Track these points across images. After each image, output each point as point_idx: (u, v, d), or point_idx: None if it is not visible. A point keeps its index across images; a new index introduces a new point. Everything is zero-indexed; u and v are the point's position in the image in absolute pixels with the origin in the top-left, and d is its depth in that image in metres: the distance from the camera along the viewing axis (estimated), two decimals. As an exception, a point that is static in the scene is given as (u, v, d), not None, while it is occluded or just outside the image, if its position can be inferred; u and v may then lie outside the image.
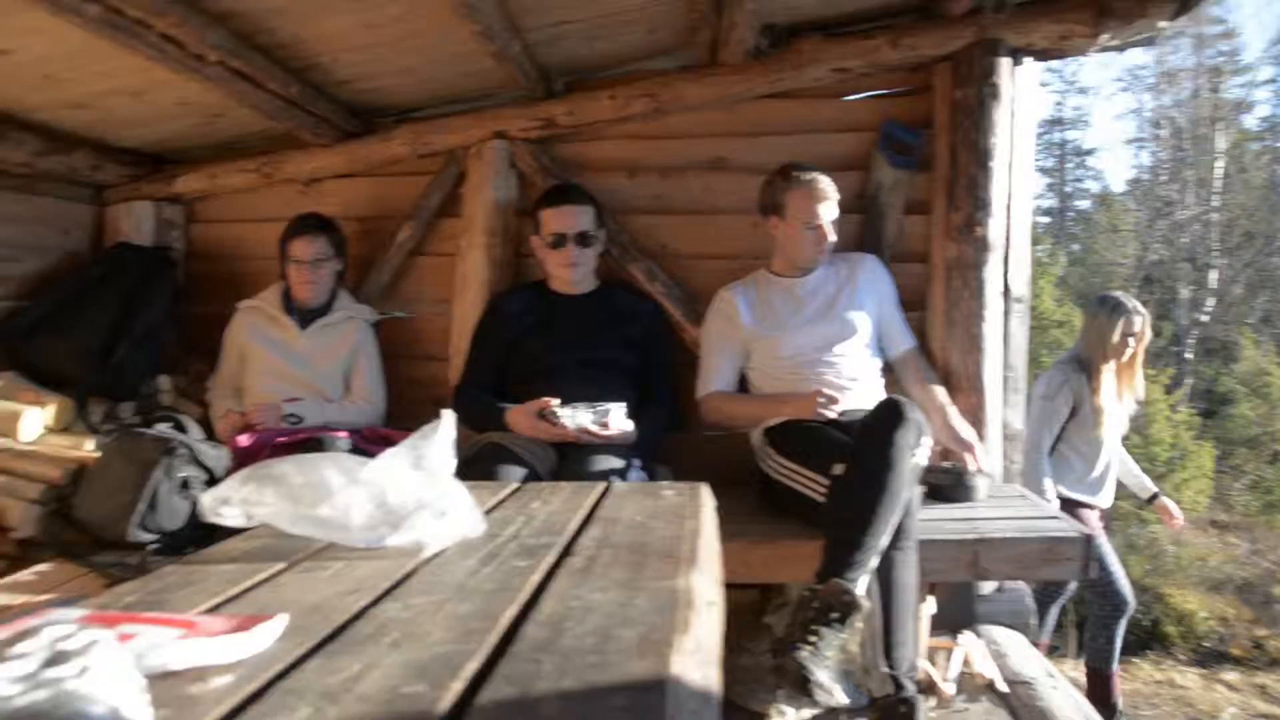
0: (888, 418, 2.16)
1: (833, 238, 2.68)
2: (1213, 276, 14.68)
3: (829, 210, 2.66)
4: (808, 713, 2.43)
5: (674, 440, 3.02)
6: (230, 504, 1.17)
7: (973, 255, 2.86)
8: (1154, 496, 3.86)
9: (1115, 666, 3.57)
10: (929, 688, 2.50)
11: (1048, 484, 3.42)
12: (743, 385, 2.85)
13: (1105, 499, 3.60)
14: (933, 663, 2.64)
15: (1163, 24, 2.90)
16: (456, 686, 0.69)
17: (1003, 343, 2.94)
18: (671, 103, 3.03)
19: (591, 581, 1.04)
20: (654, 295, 3.04)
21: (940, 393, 2.76)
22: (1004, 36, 2.87)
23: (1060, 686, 2.60)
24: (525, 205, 3.14)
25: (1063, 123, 25.03)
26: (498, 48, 2.57)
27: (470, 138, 3.19)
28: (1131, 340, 3.47)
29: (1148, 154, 21.11)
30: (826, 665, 1.88)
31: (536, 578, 1.05)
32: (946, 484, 2.59)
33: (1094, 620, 3.63)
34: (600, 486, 1.73)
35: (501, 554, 1.19)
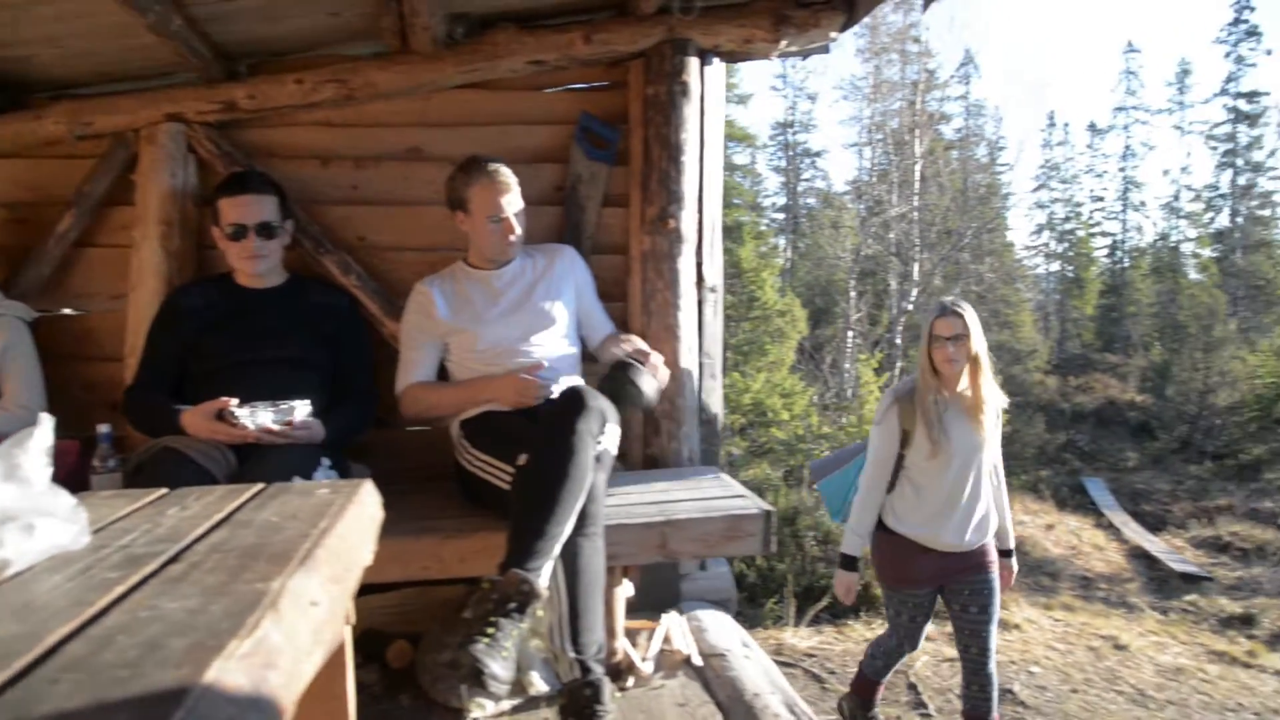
0: (570, 406, 2.18)
1: (519, 230, 2.67)
2: (916, 269, 16.38)
3: (512, 202, 2.65)
4: (508, 704, 2.44)
5: (376, 438, 2.93)
6: None
7: (667, 247, 2.97)
8: (1005, 553, 3.15)
9: (884, 680, 3.44)
10: (628, 668, 2.58)
11: (858, 520, 3.03)
12: (445, 379, 2.79)
13: (948, 538, 2.95)
14: (633, 643, 2.73)
15: (834, 34, 3.14)
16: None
17: (698, 331, 3.08)
18: (363, 90, 2.91)
19: (180, 589, 0.98)
20: (349, 289, 2.91)
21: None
22: (692, 36, 2.99)
23: (754, 657, 2.76)
24: (206, 193, 2.91)
25: (793, 126, 26.87)
26: (153, 21, 2.35)
27: (140, 119, 2.91)
28: (950, 346, 2.87)
29: (865, 157, 23.08)
30: (504, 656, 1.87)
31: (121, 589, 0.97)
32: (615, 387, 2.49)
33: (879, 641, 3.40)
34: (254, 488, 1.63)
35: (97, 567, 1.08)
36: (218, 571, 1.07)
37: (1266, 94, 34.91)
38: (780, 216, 23.78)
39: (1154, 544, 15.24)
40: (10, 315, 2.75)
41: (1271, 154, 35.10)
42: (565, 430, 2.14)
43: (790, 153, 26.07)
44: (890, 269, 16.47)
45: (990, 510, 3.04)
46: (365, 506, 1.62)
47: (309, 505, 1.50)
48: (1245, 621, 10.67)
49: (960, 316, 2.91)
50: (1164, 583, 13.39)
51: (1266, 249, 32.95)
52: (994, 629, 3.07)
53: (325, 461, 2.44)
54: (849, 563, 3.10)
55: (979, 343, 2.93)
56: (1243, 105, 34.80)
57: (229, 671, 0.74)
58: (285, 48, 2.93)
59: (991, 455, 3.04)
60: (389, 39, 2.80)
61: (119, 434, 2.55)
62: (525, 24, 2.94)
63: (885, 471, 3.00)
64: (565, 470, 2.09)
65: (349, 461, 2.71)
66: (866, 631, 6.53)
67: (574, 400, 2.20)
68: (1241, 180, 34.80)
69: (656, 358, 2.62)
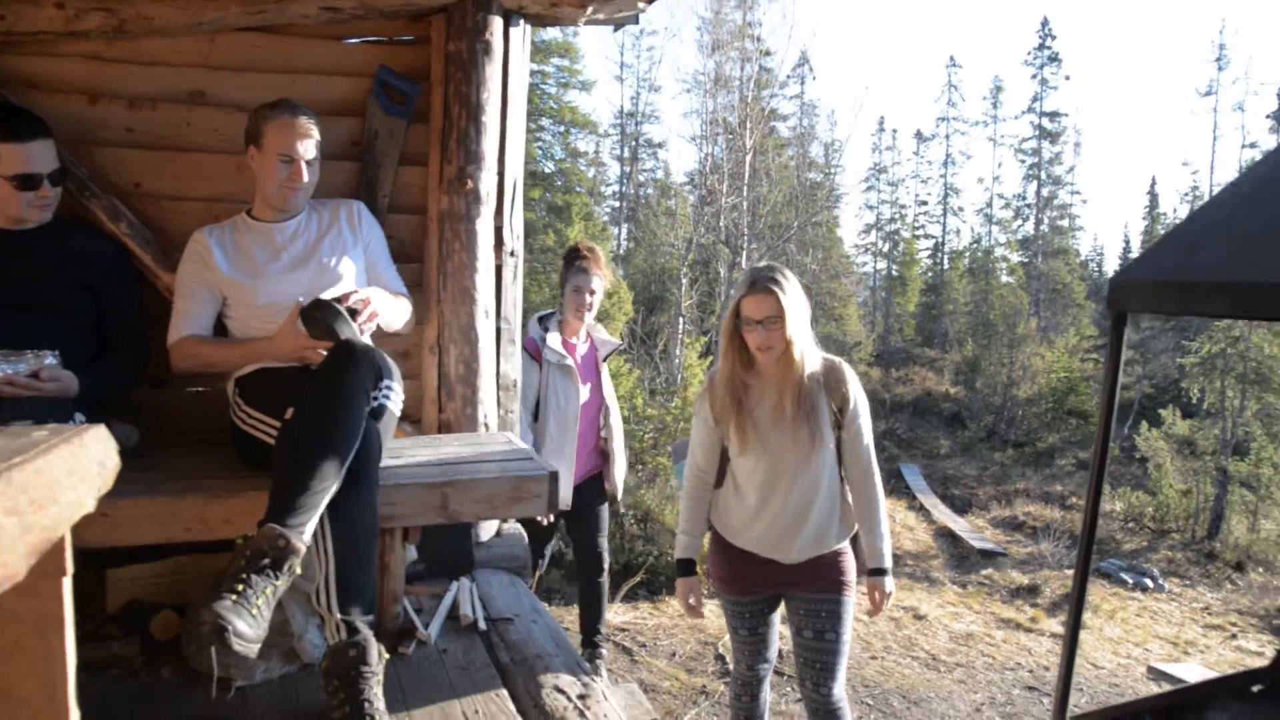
0: (341, 359, 2.11)
1: (307, 178, 2.55)
2: (745, 258, 16.91)
3: (307, 148, 2.53)
4: (279, 672, 2.33)
5: (152, 398, 2.75)
6: None
7: (464, 208, 2.91)
8: (875, 572, 2.67)
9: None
10: (409, 632, 2.52)
11: (684, 519, 2.79)
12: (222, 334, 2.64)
13: (769, 548, 2.64)
14: (417, 608, 2.67)
15: (642, 4, 3.16)
16: None
17: (496, 295, 3.04)
18: (136, 22, 2.70)
19: None
20: (118, 235, 2.70)
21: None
22: (497, -5, 2.94)
23: (541, 621, 2.76)
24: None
25: (635, 116, 27.13)
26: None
27: None
28: (761, 330, 2.46)
29: (703, 150, 23.56)
30: (253, 614, 1.78)
31: None
32: (315, 315, 2.27)
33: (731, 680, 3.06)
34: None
35: None
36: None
37: (1065, 115, 38.03)
38: (618, 205, 24.00)
39: (959, 524, 16.36)
40: None
41: (1070, 169, 38.30)
42: (335, 383, 2.06)
43: (631, 142, 26.34)
44: (721, 258, 16.93)
45: (832, 523, 2.62)
46: (88, 448, 1.50)
47: (13, 444, 1.38)
48: (1031, 591, 11.64)
49: (774, 295, 2.42)
50: (965, 559, 14.41)
51: (1064, 256, 35.93)
52: (839, 661, 2.63)
53: (78, 417, 2.25)
54: (685, 566, 2.78)
55: (797, 325, 2.46)
56: (1046, 123, 37.75)
57: None
58: (46, -31, 2.68)
59: (823, 461, 2.57)
60: (166, -30, 2.61)
61: None
62: (320, -32, 2.81)
63: (707, 463, 2.70)
64: (332, 424, 2.01)
65: (113, 421, 2.52)
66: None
67: (346, 353, 2.12)
68: (1045, 192, 37.75)
69: (368, 301, 2.38)
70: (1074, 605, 2.14)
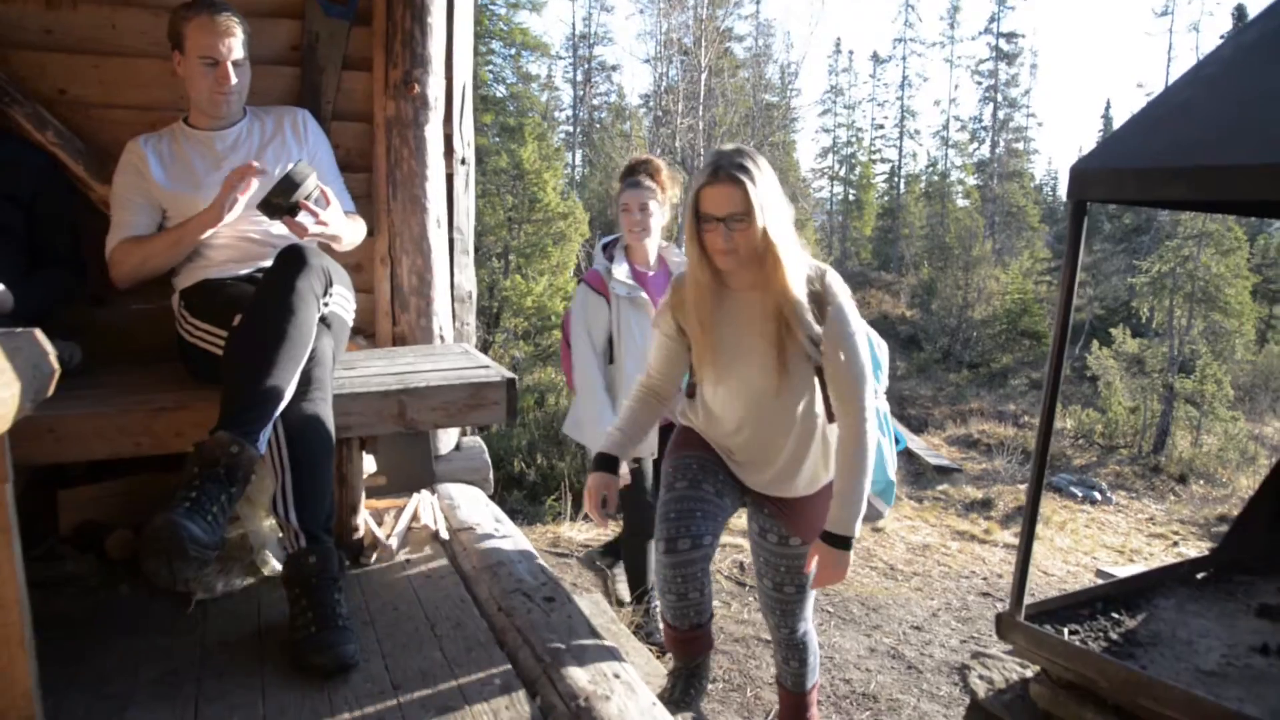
0: (288, 264, 2.04)
1: (235, 80, 2.42)
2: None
3: (233, 48, 2.39)
4: (240, 583, 2.31)
5: (96, 317, 2.65)
6: None
7: (412, 113, 2.81)
8: (830, 539, 2.04)
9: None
10: (371, 544, 2.51)
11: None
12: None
13: (741, 470, 2.25)
14: (379, 521, 2.65)
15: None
16: None
17: (448, 204, 2.96)
18: (46, -89, 2.53)
19: None
20: (45, 145, 2.57)
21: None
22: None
23: (505, 531, 2.75)
24: None
25: (589, 38, 26.51)
26: None
27: None
28: (722, 230, 1.95)
29: (658, 71, 23.17)
30: (208, 521, 1.75)
31: None
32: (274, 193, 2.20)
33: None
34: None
35: None
36: None
37: (1022, 36, 37.89)
38: (571, 130, 23.59)
39: (915, 442, 16.66)
40: None
41: (1026, 92, 38.29)
42: (283, 288, 2.00)
43: (584, 65, 25.80)
44: (677, 180, 16.80)
45: (806, 466, 2.19)
46: (20, 351, 1.44)
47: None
48: (985, 505, 11.96)
49: (739, 183, 1.91)
50: (920, 475, 14.72)
51: (1019, 179, 36.11)
52: (803, 607, 2.38)
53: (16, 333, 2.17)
54: (604, 461, 2.22)
55: (774, 223, 1.94)
56: (1003, 45, 37.58)
57: None
58: None
59: (794, 395, 2.09)
60: None
61: None
62: None
63: (661, 375, 2.24)
64: (282, 329, 1.96)
65: (53, 340, 2.43)
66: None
67: (293, 257, 2.06)
68: (1001, 115, 37.76)
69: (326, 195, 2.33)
70: (1029, 508, 2.18)
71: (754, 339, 2.06)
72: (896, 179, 41.14)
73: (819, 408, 2.14)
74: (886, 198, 40.67)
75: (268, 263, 2.41)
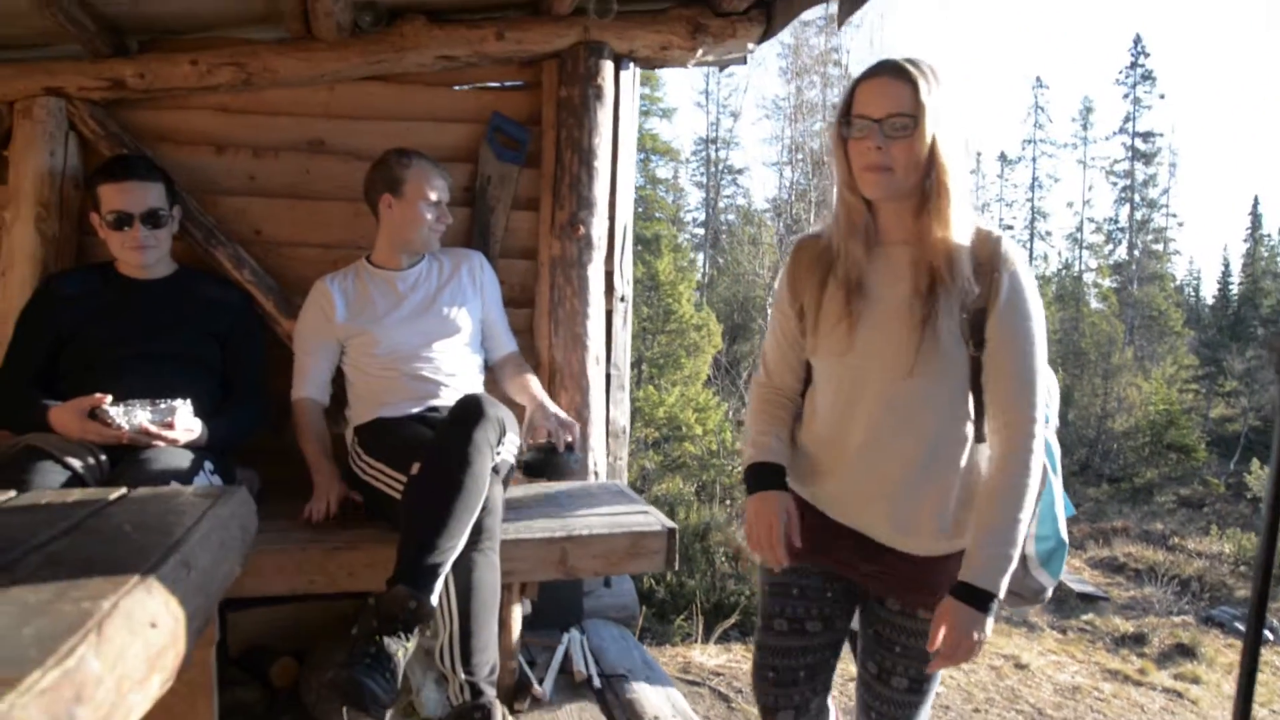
0: (466, 415, 2.09)
1: (449, 219, 2.64)
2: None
3: (445, 193, 2.63)
4: (397, 726, 2.31)
5: (268, 442, 2.77)
6: None
7: (576, 253, 2.89)
8: (963, 592, 1.51)
9: None
10: (524, 689, 2.48)
11: (748, 430, 1.83)
12: (341, 380, 2.67)
13: (839, 505, 1.69)
14: (531, 663, 2.63)
15: (751, 46, 3.12)
16: None
17: (607, 341, 3.00)
18: (262, 75, 2.76)
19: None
20: (241, 283, 2.75)
21: (535, 383, 2.72)
22: (608, 40, 2.93)
23: (655, 678, 2.69)
24: (90, 175, 2.72)
25: (716, 142, 27.15)
26: (32, -11, 2.18)
27: (15, 91, 2.71)
28: (878, 137, 1.49)
29: (785, 176, 23.47)
30: (387, 677, 1.76)
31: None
32: (539, 461, 2.50)
33: None
34: (116, 492, 1.50)
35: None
36: (45, 587, 0.96)
37: (1160, 135, 36.79)
38: (700, 232, 24.03)
39: (1053, 563, 15.70)
40: None
41: (1164, 192, 36.97)
42: (461, 439, 2.04)
43: (712, 169, 26.37)
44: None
45: (943, 503, 1.60)
46: (236, 515, 1.50)
47: (170, 512, 1.37)
48: (1137, 640, 11.07)
49: (907, 77, 1.48)
50: (1063, 602, 13.81)
51: (1159, 281, 34.59)
52: (922, 699, 1.69)
53: (208, 466, 2.28)
54: (760, 476, 1.68)
55: (949, 139, 1.50)
56: (1140, 144, 36.56)
57: (22, 709, 0.64)
58: (180, 26, 2.76)
59: (939, 386, 1.56)
60: (291, 25, 2.67)
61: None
62: (435, 17, 2.83)
63: (778, 369, 1.76)
64: (459, 481, 1.99)
65: (235, 467, 2.56)
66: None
67: (470, 408, 2.10)
68: (1138, 215, 36.49)
69: (571, 424, 2.56)
70: (1243, 680, 1.98)
71: (897, 305, 1.54)
72: (1027, 281, 39.96)
73: (967, 417, 1.59)
74: (1017, 300, 39.46)
75: (438, 400, 2.50)
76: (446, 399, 2.50)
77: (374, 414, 2.49)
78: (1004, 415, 1.52)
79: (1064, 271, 38.51)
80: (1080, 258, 38.25)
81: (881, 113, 1.48)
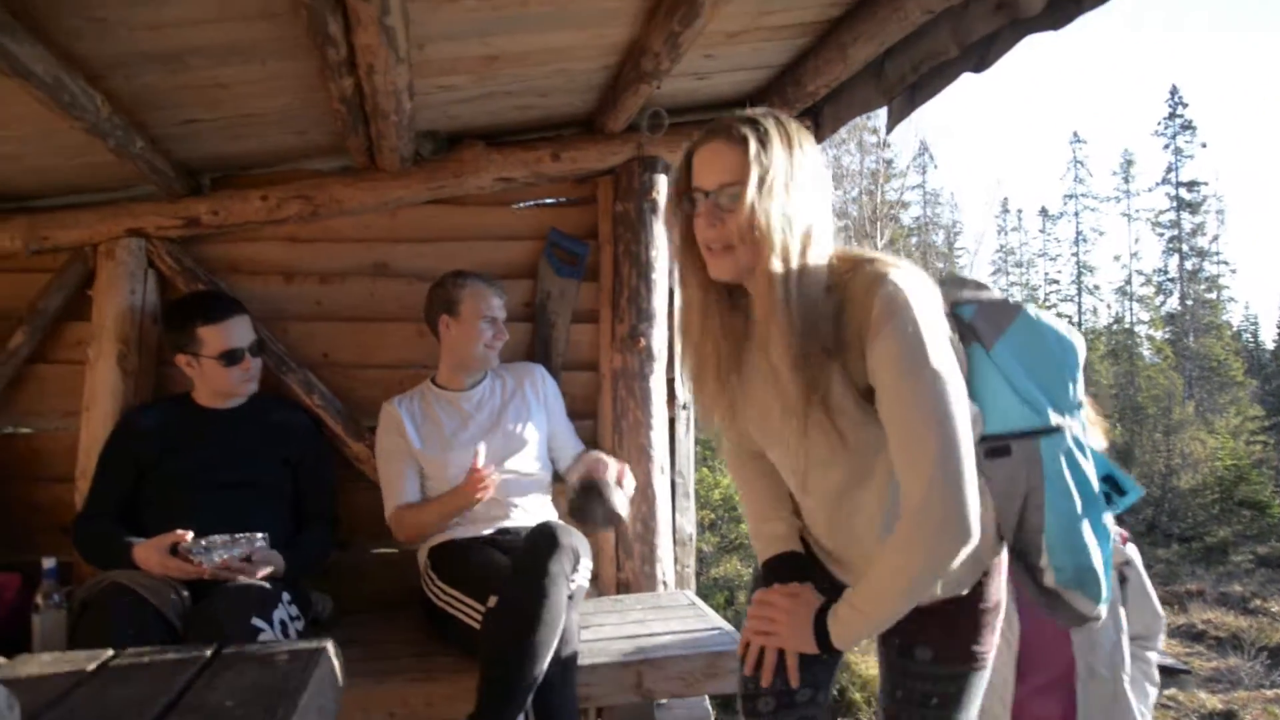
0: (542, 545, 2.10)
1: (506, 336, 2.68)
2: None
3: (501, 310, 2.67)
4: None
5: (338, 562, 2.79)
6: None
7: (638, 365, 2.91)
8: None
9: None
10: (602, 816, 2.43)
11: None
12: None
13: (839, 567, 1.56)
14: (607, 786, 2.57)
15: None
16: None
17: (670, 450, 3.00)
18: (328, 206, 2.86)
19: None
20: (311, 408, 2.81)
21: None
22: (661, 154, 2.99)
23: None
24: (166, 309, 2.82)
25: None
26: (114, 144, 2.29)
27: (99, 234, 2.83)
28: (706, 206, 1.35)
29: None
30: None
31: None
32: (586, 505, 2.32)
33: None
34: (203, 654, 1.52)
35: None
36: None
37: (1205, 184, 36.38)
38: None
39: (1128, 632, 15.09)
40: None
41: (1214, 240, 36.39)
42: (538, 571, 2.04)
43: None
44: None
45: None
46: (326, 675, 1.50)
47: (266, 680, 1.39)
48: (1227, 718, 10.53)
49: (739, 139, 1.31)
50: (1140, 674, 13.22)
51: (1216, 331, 33.81)
52: None
53: (285, 597, 2.30)
54: (769, 571, 1.56)
55: (781, 201, 1.28)
56: (1184, 194, 36.16)
57: None
58: (250, 163, 2.88)
59: (861, 456, 1.39)
60: (356, 157, 2.77)
61: (67, 560, 2.43)
62: (493, 141, 2.93)
63: (738, 439, 1.65)
64: (538, 614, 1.99)
65: (310, 592, 2.58)
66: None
67: (546, 538, 2.11)
68: (1188, 265, 35.91)
69: (621, 467, 2.49)
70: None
71: (778, 386, 1.33)
72: (1077, 337, 39.35)
73: None
74: (1068, 356, 38.82)
75: (508, 522, 2.52)
76: (517, 519, 2.52)
77: (446, 535, 2.50)
78: (896, 464, 1.29)
79: (1115, 325, 37.87)
80: (1131, 310, 37.63)
81: (713, 183, 1.31)
